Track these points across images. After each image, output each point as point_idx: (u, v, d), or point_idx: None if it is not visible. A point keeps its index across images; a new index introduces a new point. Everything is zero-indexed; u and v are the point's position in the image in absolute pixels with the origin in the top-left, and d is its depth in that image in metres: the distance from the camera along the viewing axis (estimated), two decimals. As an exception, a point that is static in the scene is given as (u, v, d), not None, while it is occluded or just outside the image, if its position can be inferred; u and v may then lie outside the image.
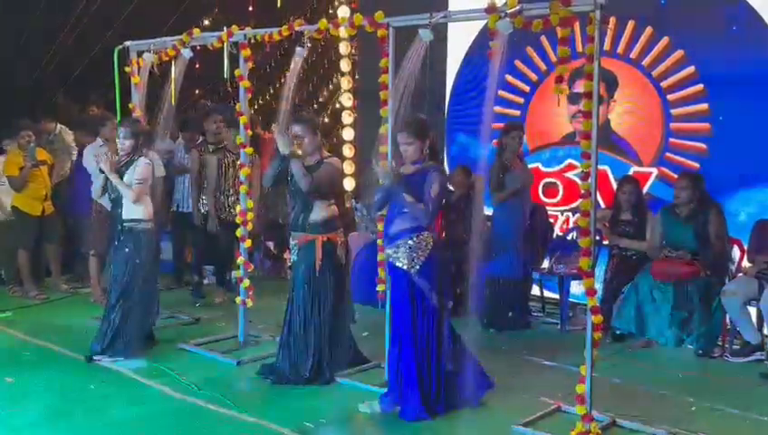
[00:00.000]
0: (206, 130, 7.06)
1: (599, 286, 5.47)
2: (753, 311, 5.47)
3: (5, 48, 8.47)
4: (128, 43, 5.85)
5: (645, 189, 6.46)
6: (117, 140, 5.33)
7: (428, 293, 4.23)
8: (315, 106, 10.49)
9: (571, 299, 6.35)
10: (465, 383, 4.27)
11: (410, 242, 4.22)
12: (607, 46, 6.52)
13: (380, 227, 4.82)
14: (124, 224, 5.27)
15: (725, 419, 4.35)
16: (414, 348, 4.20)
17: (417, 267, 4.21)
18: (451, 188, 6.89)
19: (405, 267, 4.23)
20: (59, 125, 7.87)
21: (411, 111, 4.50)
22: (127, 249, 5.26)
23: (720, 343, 5.61)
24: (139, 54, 5.82)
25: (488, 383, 4.46)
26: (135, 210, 5.25)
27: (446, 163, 7.67)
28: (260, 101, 9.86)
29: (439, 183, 4.22)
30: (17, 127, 7.01)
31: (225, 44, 5.30)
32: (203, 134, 7.12)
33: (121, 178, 5.22)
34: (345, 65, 9.27)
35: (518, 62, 7.22)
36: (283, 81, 7.99)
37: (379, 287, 4.80)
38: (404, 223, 4.25)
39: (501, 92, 7.14)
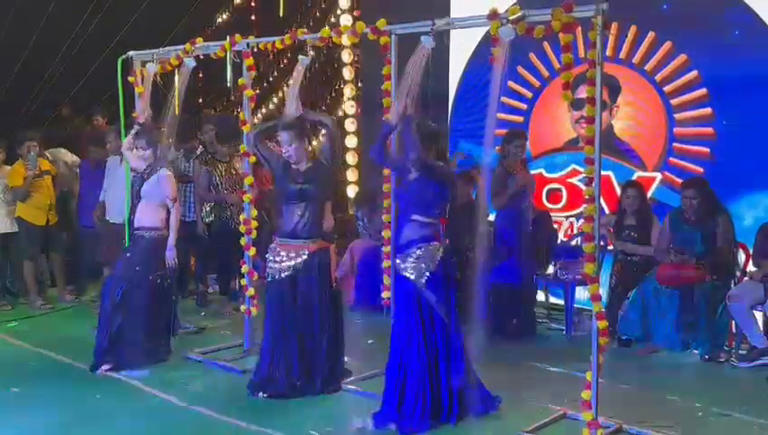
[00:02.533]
0: (203, 141, 7.09)
1: (604, 292, 5.46)
2: (759, 315, 5.46)
3: (9, 61, 8.50)
4: (131, 53, 5.86)
5: (649, 194, 6.45)
6: (137, 151, 5.36)
7: (435, 305, 4.14)
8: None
9: (576, 305, 6.33)
10: (472, 398, 4.22)
11: (419, 252, 4.15)
12: (609, 51, 6.52)
13: (385, 234, 4.83)
14: (135, 232, 5.32)
15: (732, 424, 4.33)
16: (418, 362, 4.10)
17: (424, 280, 4.13)
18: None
19: (412, 278, 4.15)
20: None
21: (421, 118, 4.47)
22: (129, 254, 5.30)
23: (726, 348, 5.59)
24: (143, 64, 5.83)
25: (493, 402, 4.36)
26: (147, 218, 5.28)
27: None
28: (263, 110, 9.88)
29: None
30: (22, 137, 7.03)
31: (228, 53, 5.31)
32: (203, 144, 7.15)
33: (141, 186, 5.27)
34: (348, 73, 9.37)
35: (521, 69, 7.23)
36: (286, 89, 8.01)
37: (384, 294, 4.79)
38: (413, 232, 4.19)
39: (504, 99, 7.15)
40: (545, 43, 6.87)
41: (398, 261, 4.26)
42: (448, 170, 4.30)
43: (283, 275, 4.70)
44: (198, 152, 7.11)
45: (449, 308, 4.20)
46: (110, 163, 6.75)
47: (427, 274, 4.14)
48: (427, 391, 4.11)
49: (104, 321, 5.26)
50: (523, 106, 7.33)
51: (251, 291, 5.47)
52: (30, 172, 6.92)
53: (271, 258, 4.75)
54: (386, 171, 4.77)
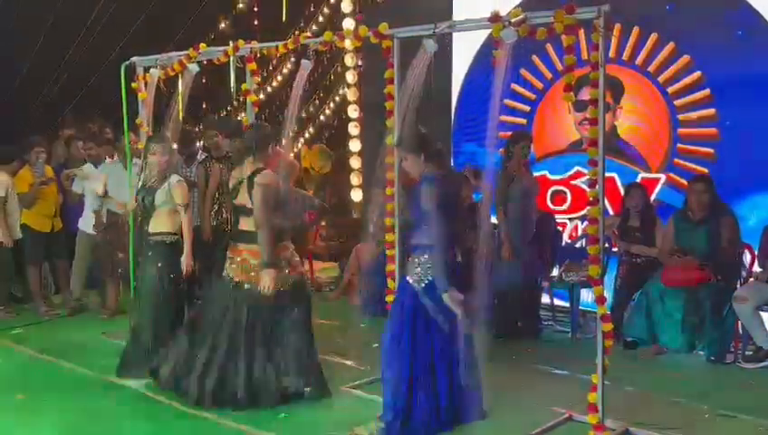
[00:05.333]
0: (207, 146, 7.09)
1: (609, 294, 5.45)
2: (765, 316, 5.44)
3: (13, 66, 8.54)
4: (134, 58, 5.87)
5: (654, 195, 6.44)
6: (152, 157, 5.23)
7: (431, 311, 4.10)
8: (322, 118, 10.54)
9: (581, 307, 6.32)
10: (469, 402, 4.20)
11: (422, 258, 4.10)
12: (612, 53, 6.52)
13: (388, 237, 4.81)
14: (150, 238, 5.20)
15: (739, 425, 4.32)
16: (411, 367, 4.06)
17: (424, 285, 4.09)
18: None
19: (413, 282, 4.13)
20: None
21: (410, 125, 4.39)
22: (160, 264, 5.13)
23: (732, 349, 5.58)
24: (146, 70, 5.84)
25: (482, 412, 4.30)
26: (163, 223, 5.19)
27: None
28: (266, 114, 9.90)
29: (427, 196, 4.02)
30: (29, 143, 7.04)
31: (232, 59, 5.32)
32: (206, 149, 7.14)
33: (154, 194, 5.18)
34: (351, 77, 9.38)
35: (524, 71, 7.23)
36: (289, 93, 8.02)
37: (389, 298, 4.78)
38: (421, 237, 4.13)
39: (507, 101, 7.14)
40: (548, 45, 6.87)
41: (408, 261, 4.22)
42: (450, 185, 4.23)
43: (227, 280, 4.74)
44: (201, 158, 7.10)
45: (447, 315, 4.11)
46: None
47: (427, 280, 4.10)
48: (426, 395, 4.08)
49: (142, 334, 5.17)
50: (527, 108, 7.33)
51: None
52: (38, 180, 6.93)
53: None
54: (389, 175, 4.76)
